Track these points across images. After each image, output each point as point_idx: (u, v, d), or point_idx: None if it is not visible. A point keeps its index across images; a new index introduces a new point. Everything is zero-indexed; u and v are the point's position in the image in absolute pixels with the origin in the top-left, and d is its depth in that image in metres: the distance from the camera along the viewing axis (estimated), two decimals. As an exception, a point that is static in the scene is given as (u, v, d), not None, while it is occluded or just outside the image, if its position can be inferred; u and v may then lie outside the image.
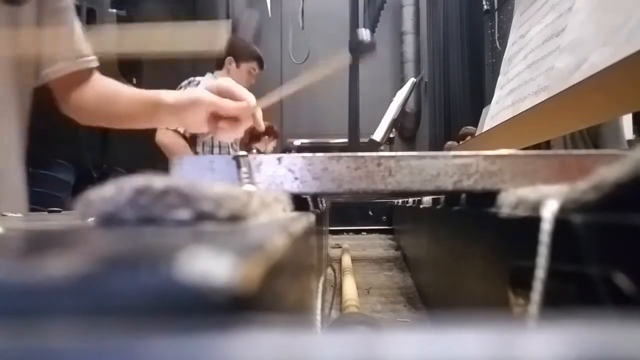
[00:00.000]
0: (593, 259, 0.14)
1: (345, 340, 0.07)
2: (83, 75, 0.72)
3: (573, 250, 0.15)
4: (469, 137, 2.87)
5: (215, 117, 0.67)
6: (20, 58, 0.65)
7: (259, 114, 0.70)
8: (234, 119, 0.67)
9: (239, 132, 0.70)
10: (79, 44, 0.72)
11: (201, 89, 0.68)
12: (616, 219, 0.13)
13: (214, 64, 1.82)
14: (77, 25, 0.72)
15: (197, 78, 1.71)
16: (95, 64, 0.73)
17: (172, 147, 1.62)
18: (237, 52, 1.79)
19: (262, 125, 0.72)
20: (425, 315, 0.53)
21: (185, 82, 1.69)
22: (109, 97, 0.74)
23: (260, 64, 1.85)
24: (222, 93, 0.67)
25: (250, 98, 0.67)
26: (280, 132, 2.62)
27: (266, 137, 2.44)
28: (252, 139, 2.45)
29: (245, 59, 1.80)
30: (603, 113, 0.69)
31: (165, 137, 1.62)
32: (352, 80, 1.76)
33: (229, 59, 1.78)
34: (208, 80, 1.73)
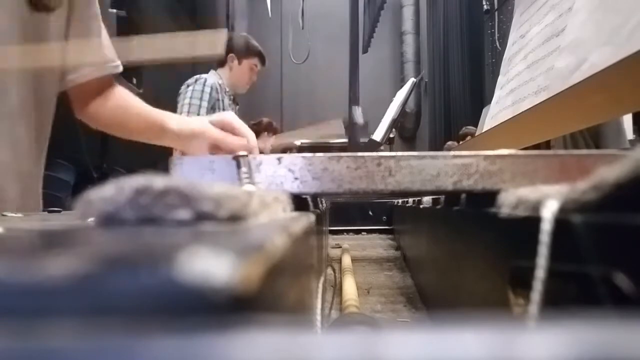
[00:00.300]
0: (593, 259, 0.14)
1: (345, 340, 0.07)
2: (106, 82, 0.73)
3: (573, 250, 0.15)
4: (469, 137, 2.87)
5: (216, 148, 0.69)
6: (46, 66, 0.65)
7: (257, 151, 0.72)
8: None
9: None
10: (105, 50, 0.72)
11: (205, 122, 0.71)
12: (616, 219, 0.13)
13: (216, 61, 1.83)
14: (105, 33, 0.73)
15: (203, 76, 1.72)
16: (120, 69, 0.74)
17: None
18: (239, 49, 1.80)
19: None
20: (425, 315, 0.53)
21: (192, 79, 1.71)
22: (123, 108, 0.75)
23: (262, 60, 1.86)
24: (225, 127, 0.70)
25: (250, 136, 0.70)
26: (280, 130, 2.62)
27: (266, 133, 2.43)
28: None
29: (247, 55, 1.81)
30: (603, 113, 0.69)
31: None
32: (352, 80, 1.76)
33: (231, 56, 1.79)
34: (212, 77, 1.74)
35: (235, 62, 1.80)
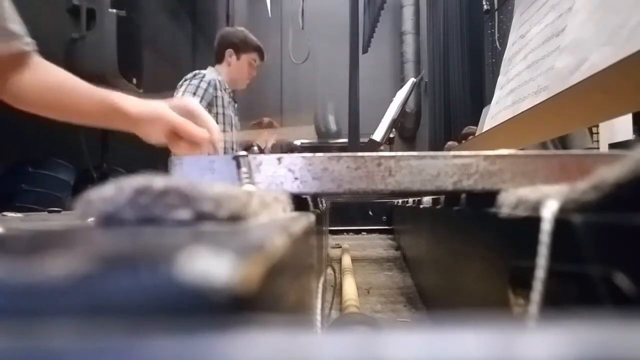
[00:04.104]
0: (593, 259, 0.14)
1: (345, 340, 0.07)
2: (19, 58, 0.66)
3: (573, 250, 0.15)
4: (470, 137, 2.87)
5: (177, 135, 0.64)
6: None
7: (220, 145, 0.68)
8: (193, 142, 0.64)
9: (197, 154, 0.66)
10: (10, 22, 0.65)
11: (165, 106, 0.65)
12: (616, 219, 0.13)
13: (214, 57, 1.81)
14: (8, 2, 0.65)
15: (202, 71, 1.70)
16: (32, 47, 0.68)
17: None
18: (237, 43, 1.77)
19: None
20: (425, 315, 0.53)
21: (190, 74, 1.68)
22: (54, 87, 0.68)
23: (261, 55, 1.83)
24: (188, 115, 0.65)
25: (214, 129, 0.65)
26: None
27: (266, 133, 2.43)
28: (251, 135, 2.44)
29: (245, 50, 1.78)
30: (603, 113, 0.69)
31: None
32: (352, 80, 1.76)
33: (229, 51, 1.76)
34: (211, 73, 1.72)
35: (234, 57, 1.77)
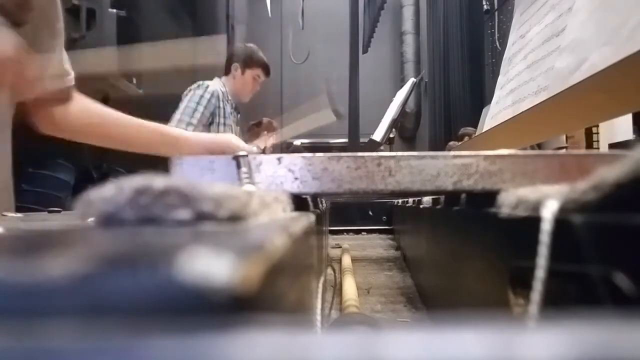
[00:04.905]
0: (593, 259, 0.14)
1: (345, 340, 0.07)
2: (66, 94, 0.75)
3: (573, 250, 0.15)
4: (466, 138, 2.89)
5: None
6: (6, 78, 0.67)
7: None
8: None
9: None
10: (65, 65, 0.74)
11: (233, 137, 0.77)
12: (616, 219, 0.13)
13: (223, 69, 1.88)
14: (62, 48, 0.75)
15: (206, 82, 1.76)
16: (72, 82, 0.76)
17: None
18: (243, 58, 1.85)
19: None
20: (425, 315, 0.53)
21: (195, 85, 1.74)
22: (92, 114, 0.77)
23: (266, 72, 1.91)
24: (229, 149, 0.75)
25: None
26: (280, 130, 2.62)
27: (265, 132, 2.43)
28: (251, 136, 2.44)
29: (251, 65, 1.85)
30: (603, 113, 0.69)
31: None
32: (352, 80, 1.76)
33: (235, 65, 1.84)
34: (216, 84, 1.78)
35: (239, 71, 1.84)
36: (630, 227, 0.13)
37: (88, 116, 0.77)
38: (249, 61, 1.85)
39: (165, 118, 1.60)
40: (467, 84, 4.05)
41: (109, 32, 1.72)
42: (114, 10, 1.74)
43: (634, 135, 2.20)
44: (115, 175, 1.70)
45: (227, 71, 1.86)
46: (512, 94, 0.83)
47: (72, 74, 0.76)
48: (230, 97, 1.83)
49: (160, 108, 1.56)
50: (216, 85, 1.77)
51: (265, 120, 2.38)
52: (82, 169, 1.68)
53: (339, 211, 1.24)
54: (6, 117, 0.70)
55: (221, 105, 1.75)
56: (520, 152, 0.32)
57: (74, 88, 0.77)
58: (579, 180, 0.15)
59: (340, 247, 0.98)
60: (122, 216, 0.15)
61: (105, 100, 1.93)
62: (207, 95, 1.71)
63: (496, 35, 3.94)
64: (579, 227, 0.15)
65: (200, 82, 1.76)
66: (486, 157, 0.31)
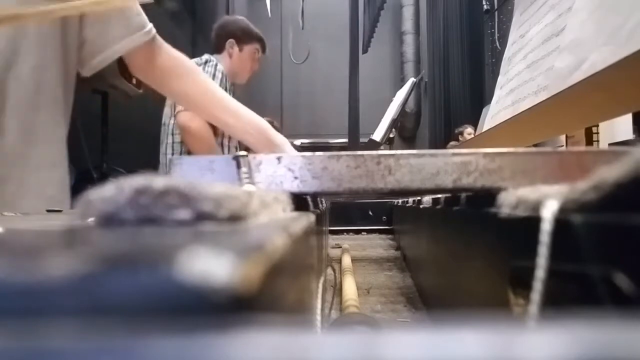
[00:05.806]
0: (593, 259, 0.14)
1: (345, 340, 0.07)
2: (148, 44, 0.77)
3: (573, 250, 0.15)
4: (460, 137, 2.91)
5: None
6: (69, 39, 0.70)
7: None
8: None
9: None
10: (135, 15, 0.75)
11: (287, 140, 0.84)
12: (616, 219, 0.13)
13: (213, 47, 1.64)
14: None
15: (212, 59, 1.52)
16: (153, 32, 0.79)
17: (198, 133, 1.37)
18: (239, 34, 1.61)
19: None
20: (425, 315, 0.53)
21: (201, 60, 1.51)
22: (175, 61, 0.83)
23: (263, 47, 1.67)
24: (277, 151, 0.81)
25: None
26: (280, 130, 2.62)
27: None
28: None
29: (248, 41, 1.61)
30: (603, 113, 0.69)
31: (193, 122, 1.36)
32: (352, 80, 1.76)
33: (231, 41, 1.59)
34: (219, 61, 1.54)
35: (236, 48, 1.59)
36: (630, 227, 0.13)
37: (177, 66, 0.83)
38: (246, 36, 1.60)
39: (165, 118, 1.59)
40: (467, 84, 4.05)
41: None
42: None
43: (634, 135, 2.20)
44: (115, 175, 1.71)
45: (219, 49, 1.60)
46: (512, 94, 0.83)
47: (148, 25, 0.77)
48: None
49: (160, 108, 1.56)
50: (220, 63, 1.51)
51: (266, 120, 2.38)
52: (82, 169, 1.68)
53: (339, 211, 1.24)
54: (59, 117, 0.70)
55: (227, 87, 1.48)
56: (519, 150, 0.32)
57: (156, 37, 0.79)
58: (579, 178, 0.15)
59: (340, 247, 0.98)
60: (122, 216, 0.15)
61: (105, 100, 1.94)
62: (219, 75, 1.46)
63: (496, 35, 3.94)
64: (579, 227, 0.15)
65: (207, 57, 1.51)
66: (485, 154, 0.31)
